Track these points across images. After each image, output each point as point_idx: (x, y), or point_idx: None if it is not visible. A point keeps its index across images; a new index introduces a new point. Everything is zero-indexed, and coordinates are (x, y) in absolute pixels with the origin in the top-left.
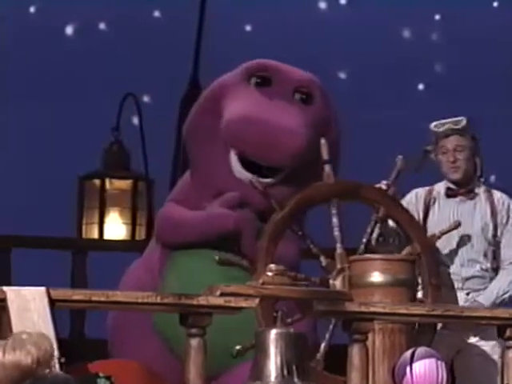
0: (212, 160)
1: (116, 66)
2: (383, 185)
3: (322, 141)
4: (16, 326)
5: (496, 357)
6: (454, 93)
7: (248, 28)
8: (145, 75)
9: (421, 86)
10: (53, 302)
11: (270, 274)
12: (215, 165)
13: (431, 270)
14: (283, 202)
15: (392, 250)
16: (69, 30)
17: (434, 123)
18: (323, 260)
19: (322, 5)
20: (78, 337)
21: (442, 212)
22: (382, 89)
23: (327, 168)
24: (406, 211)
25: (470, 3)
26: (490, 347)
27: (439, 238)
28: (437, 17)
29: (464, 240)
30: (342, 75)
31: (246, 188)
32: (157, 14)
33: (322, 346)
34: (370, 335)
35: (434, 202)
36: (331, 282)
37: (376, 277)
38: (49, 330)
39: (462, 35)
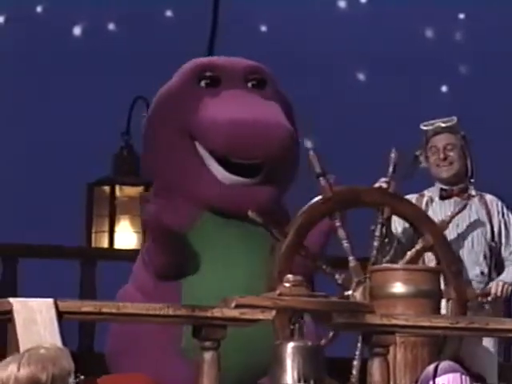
0: (181, 160)
1: (125, 68)
2: (382, 183)
3: (311, 152)
4: (22, 338)
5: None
6: (479, 95)
7: (263, 28)
8: (155, 77)
9: (444, 88)
10: (60, 314)
11: (287, 284)
12: (186, 168)
13: (448, 258)
14: (264, 205)
15: (396, 251)
16: (76, 30)
17: (424, 123)
18: (338, 277)
19: (342, 3)
20: (86, 350)
21: (438, 215)
22: (403, 91)
23: (322, 182)
24: (411, 204)
25: (495, 1)
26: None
27: (449, 222)
28: (461, 16)
29: (463, 241)
30: (361, 76)
31: (228, 189)
32: (169, 13)
33: (354, 365)
34: (391, 348)
35: (427, 207)
36: (351, 294)
37: (398, 287)
38: (56, 344)
39: (487, 35)
